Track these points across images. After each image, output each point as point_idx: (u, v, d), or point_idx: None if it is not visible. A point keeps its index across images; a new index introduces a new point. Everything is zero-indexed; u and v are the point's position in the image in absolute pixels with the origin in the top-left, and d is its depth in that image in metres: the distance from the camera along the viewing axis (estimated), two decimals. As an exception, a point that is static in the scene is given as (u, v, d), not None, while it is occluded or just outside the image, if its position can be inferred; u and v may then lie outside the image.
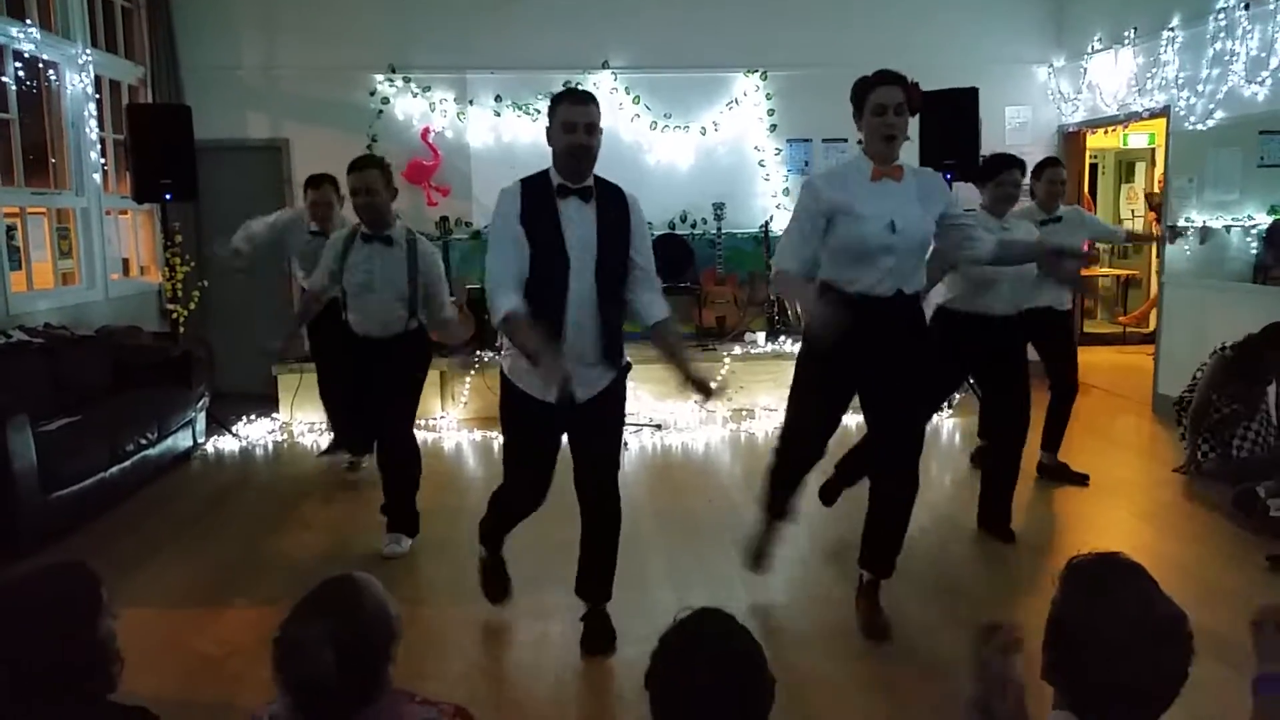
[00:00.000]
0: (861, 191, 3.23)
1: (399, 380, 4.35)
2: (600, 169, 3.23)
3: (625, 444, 6.06)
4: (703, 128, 7.97)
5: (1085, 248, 5.20)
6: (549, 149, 3.13)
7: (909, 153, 6.38)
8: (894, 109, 3.18)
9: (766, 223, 7.87)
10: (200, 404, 6.19)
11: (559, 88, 7.47)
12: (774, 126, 7.99)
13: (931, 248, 3.44)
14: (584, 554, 3.41)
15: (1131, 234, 6.70)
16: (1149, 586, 1.47)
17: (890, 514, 3.43)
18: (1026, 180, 4.78)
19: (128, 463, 5.15)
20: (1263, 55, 5.78)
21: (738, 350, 7.29)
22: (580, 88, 3.24)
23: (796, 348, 7.60)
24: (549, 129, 3.13)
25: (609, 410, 3.28)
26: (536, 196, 3.11)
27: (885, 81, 3.21)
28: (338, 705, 1.59)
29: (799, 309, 3.20)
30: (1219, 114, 6.20)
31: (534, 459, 3.28)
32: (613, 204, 3.18)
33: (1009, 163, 4.37)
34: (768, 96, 7.96)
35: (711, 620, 1.50)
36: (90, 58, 6.67)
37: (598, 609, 3.43)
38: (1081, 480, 5.16)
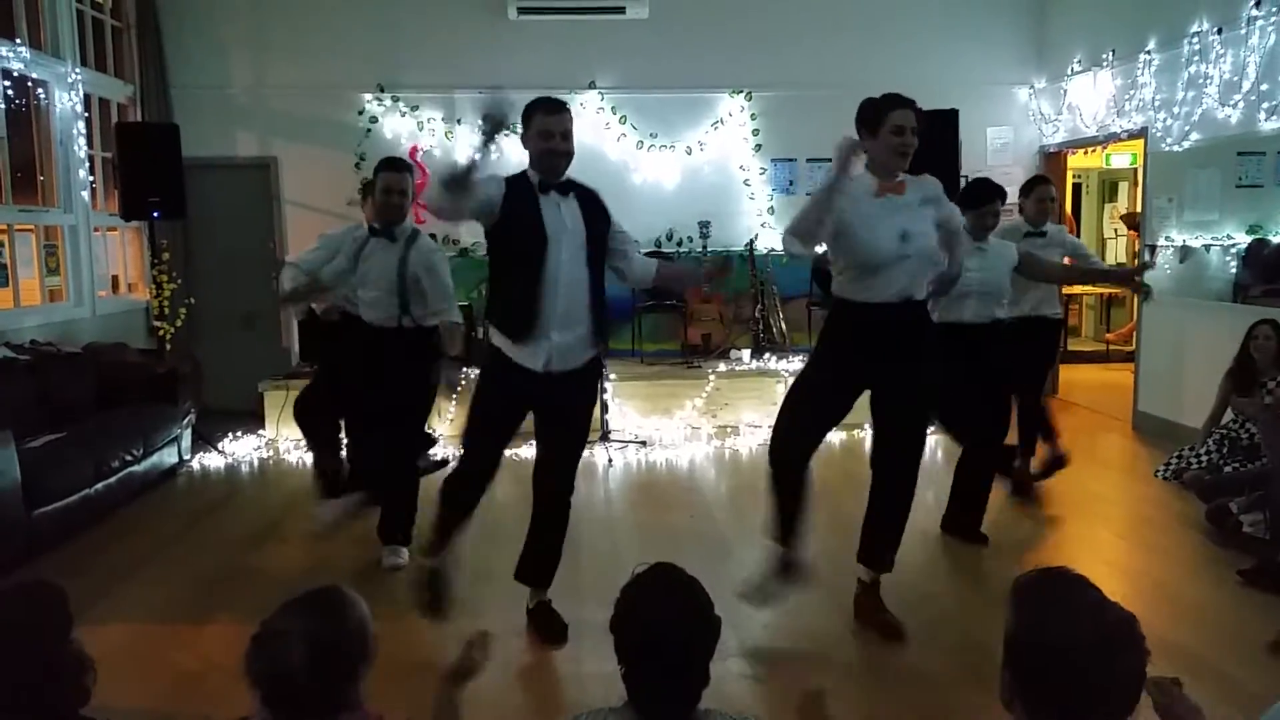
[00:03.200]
0: (869, 207, 3.34)
1: (403, 383, 4.29)
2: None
3: (610, 451, 6.21)
4: (688, 147, 8.06)
5: (1067, 262, 5.29)
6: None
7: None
8: (911, 130, 3.33)
9: (751, 241, 7.92)
10: (186, 421, 6.20)
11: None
12: (759, 146, 8.08)
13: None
14: (531, 539, 3.61)
15: (1114, 269, 6.69)
16: (1096, 594, 1.48)
17: (892, 510, 3.54)
18: (1012, 202, 4.94)
19: (113, 479, 5.16)
20: (1235, 79, 5.89)
21: (723, 367, 7.34)
22: (552, 96, 3.43)
23: (781, 364, 7.60)
24: (524, 135, 3.36)
25: (579, 400, 3.51)
26: (519, 189, 3.35)
27: (903, 104, 3.35)
28: (305, 709, 1.60)
29: (822, 200, 3.18)
30: (1194, 135, 6.30)
31: (496, 427, 3.43)
32: (587, 197, 3.46)
33: (996, 194, 4.50)
34: (753, 117, 8.05)
35: (665, 571, 1.71)
36: (80, 76, 6.72)
37: (544, 602, 3.63)
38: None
